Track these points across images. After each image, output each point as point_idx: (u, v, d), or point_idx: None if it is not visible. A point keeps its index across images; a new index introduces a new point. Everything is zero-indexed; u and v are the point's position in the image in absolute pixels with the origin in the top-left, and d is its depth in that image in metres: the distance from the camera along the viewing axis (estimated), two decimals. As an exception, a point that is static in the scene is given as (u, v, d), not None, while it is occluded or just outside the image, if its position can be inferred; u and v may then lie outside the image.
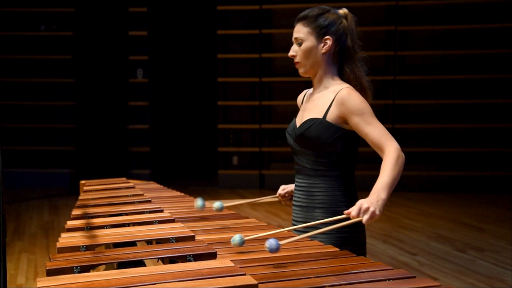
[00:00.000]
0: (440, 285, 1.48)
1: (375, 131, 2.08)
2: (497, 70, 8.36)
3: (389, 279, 1.55)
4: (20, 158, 8.76)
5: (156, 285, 1.38)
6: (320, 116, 2.17)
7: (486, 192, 8.17)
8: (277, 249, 1.69)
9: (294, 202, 2.30)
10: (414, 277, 1.56)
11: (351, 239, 2.14)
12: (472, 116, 8.46)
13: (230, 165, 8.87)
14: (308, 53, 2.21)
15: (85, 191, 3.03)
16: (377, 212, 1.89)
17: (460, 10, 8.44)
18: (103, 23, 8.47)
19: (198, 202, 2.41)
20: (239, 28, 8.67)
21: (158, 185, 3.49)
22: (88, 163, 8.41)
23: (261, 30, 8.60)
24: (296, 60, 2.24)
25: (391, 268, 1.65)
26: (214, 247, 1.76)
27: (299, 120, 2.28)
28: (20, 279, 4.50)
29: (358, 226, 2.12)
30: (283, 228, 2.16)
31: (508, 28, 8.25)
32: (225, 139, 8.86)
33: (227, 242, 2.01)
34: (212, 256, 1.69)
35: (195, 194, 3.18)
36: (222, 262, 1.54)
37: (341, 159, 2.18)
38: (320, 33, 2.20)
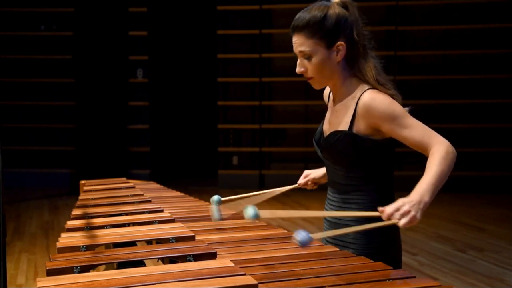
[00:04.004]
0: (440, 285, 1.49)
1: (414, 133, 1.82)
2: (497, 70, 8.36)
3: (389, 279, 1.55)
4: (20, 158, 8.75)
5: (156, 285, 1.38)
6: (345, 128, 1.91)
7: (486, 192, 8.17)
8: (308, 242, 1.52)
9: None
10: (414, 277, 1.57)
11: (383, 259, 1.73)
12: (472, 116, 8.46)
13: (230, 165, 8.87)
14: (322, 66, 1.91)
15: (85, 191, 3.03)
16: (418, 216, 1.64)
17: (460, 10, 8.44)
18: (103, 23, 8.47)
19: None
20: (239, 28, 8.67)
21: (158, 185, 3.49)
22: (88, 163, 8.40)
23: (261, 30, 8.60)
24: (309, 75, 1.94)
25: (391, 268, 1.65)
26: (214, 247, 1.76)
27: (326, 128, 2.03)
28: (20, 279, 4.50)
29: (394, 242, 1.93)
30: (282, 229, 2.16)
31: (508, 28, 8.25)
32: (225, 139, 8.86)
33: (227, 242, 2.01)
34: (212, 256, 1.69)
35: (195, 194, 3.18)
36: (222, 262, 1.55)
37: (375, 172, 1.94)
38: (330, 41, 1.89)
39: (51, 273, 1.53)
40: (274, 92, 8.75)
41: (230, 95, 8.81)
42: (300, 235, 1.51)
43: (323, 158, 2.03)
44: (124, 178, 3.54)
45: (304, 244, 1.52)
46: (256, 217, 1.62)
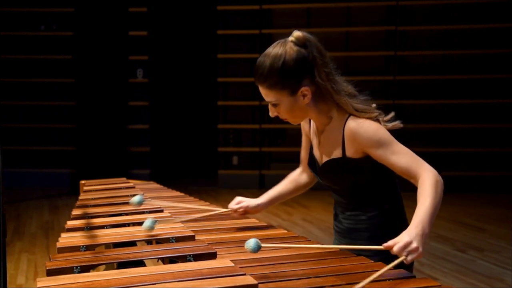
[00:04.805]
0: (440, 285, 1.48)
1: (401, 160, 1.80)
2: (497, 70, 8.36)
3: (389, 279, 1.55)
4: (20, 158, 8.75)
5: (156, 285, 1.38)
6: (339, 154, 1.91)
7: (486, 192, 8.17)
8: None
9: (335, 228, 2.10)
10: (414, 277, 1.56)
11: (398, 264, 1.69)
12: (472, 116, 8.46)
13: (230, 165, 8.87)
14: (291, 111, 1.90)
15: (85, 191, 3.03)
16: (421, 249, 1.61)
17: (460, 10, 8.44)
18: (103, 23, 8.47)
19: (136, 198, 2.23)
20: (239, 28, 8.67)
21: (158, 185, 3.49)
22: (88, 163, 8.40)
23: (261, 30, 8.60)
24: (282, 118, 1.95)
25: (391, 268, 1.65)
26: (214, 247, 1.76)
27: (318, 155, 2.02)
28: (20, 279, 4.50)
29: None
30: (282, 229, 2.16)
31: (508, 28, 8.25)
32: (225, 139, 8.86)
33: (227, 242, 2.01)
34: (212, 256, 1.69)
35: (195, 194, 3.19)
36: (222, 262, 1.54)
37: (379, 185, 1.95)
38: (292, 89, 1.85)
39: (51, 273, 1.53)
40: (274, 92, 8.74)
41: (230, 95, 8.81)
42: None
43: (324, 183, 2.04)
44: (124, 178, 3.53)
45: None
46: (258, 249, 1.66)
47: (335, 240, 2.12)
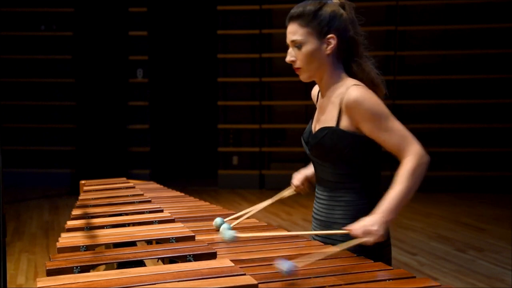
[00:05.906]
0: (440, 285, 1.49)
1: (392, 138, 1.86)
2: (497, 70, 8.36)
3: (389, 279, 1.56)
4: (20, 158, 8.75)
5: (156, 285, 1.38)
6: (333, 124, 1.92)
7: (486, 192, 8.16)
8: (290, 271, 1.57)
9: (313, 214, 2.09)
10: (414, 277, 1.57)
11: (376, 257, 1.79)
12: (472, 116, 8.46)
13: (230, 165, 8.87)
14: (311, 56, 1.93)
15: (85, 191, 3.03)
16: (381, 233, 1.75)
17: (460, 10, 8.44)
18: (103, 23, 8.47)
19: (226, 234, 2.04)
20: (239, 28, 8.67)
21: (158, 185, 3.49)
22: (88, 163, 8.40)
23: (261, 30, 8.60)
24: (297, 65, 1.96)
25: (391, 268, 1.66)
26: (214, 247, 1.76)
27: (314, 126, 2.04)
28: (20, 279, 4.51)
29: (385, 243, 1.93)
30: (283, 229, 2.16)
31: (508, 28, 8.25)
32: (225, 139, 8.86)
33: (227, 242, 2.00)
34: (212, 256, 1.69)
35: (195, 194, 3.19)
36: (222, 262, 1.55)
37: (363, 168, 1.94)
38: (321, 32, 1.92)
39: (51, 273, 1.53)
40: (274, 92, 8.75)
41: (230, 95, 8.81)
42: (284, 264, 1.57)
43: (311, 157, 2.04)
44: (124, 178, 3.53)
45: (289, 272, 1.57)
46: (233, 239, 1.82)
47: (313, 224, 2.12)
